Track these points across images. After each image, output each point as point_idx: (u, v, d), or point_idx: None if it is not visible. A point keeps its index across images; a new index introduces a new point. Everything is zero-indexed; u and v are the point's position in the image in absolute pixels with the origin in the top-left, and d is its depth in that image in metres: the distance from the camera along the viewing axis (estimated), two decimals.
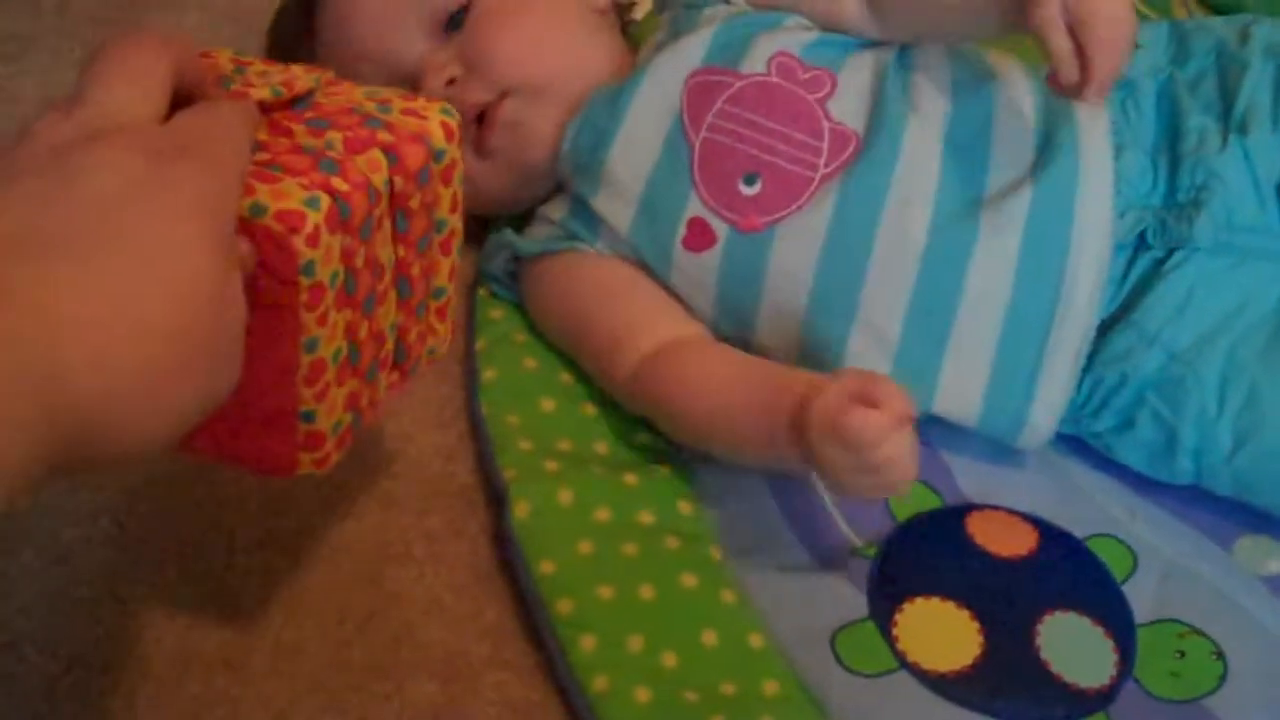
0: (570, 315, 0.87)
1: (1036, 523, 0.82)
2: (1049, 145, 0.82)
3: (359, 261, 0.60)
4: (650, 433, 0.85)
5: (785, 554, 0.80)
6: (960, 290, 0.80)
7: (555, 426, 0.85)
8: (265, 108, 0.61)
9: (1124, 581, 0.80)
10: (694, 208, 0.83)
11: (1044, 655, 0.76)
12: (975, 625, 0.77)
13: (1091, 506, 0.84)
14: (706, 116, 0.84)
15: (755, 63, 0.85)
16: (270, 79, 0.63)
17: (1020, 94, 0.85)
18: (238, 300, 0.52)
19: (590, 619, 0.75)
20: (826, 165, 0.82)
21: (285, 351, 0.59)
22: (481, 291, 0.92)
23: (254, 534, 0.79)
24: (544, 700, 0.74)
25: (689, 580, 0.77)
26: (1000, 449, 0.85)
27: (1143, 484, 0.84)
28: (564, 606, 0.75)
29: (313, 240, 0.56)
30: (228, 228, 0.52)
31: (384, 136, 0.62)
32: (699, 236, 0.83)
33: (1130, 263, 0.82)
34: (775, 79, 0.85)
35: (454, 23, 0.89)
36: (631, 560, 0.78)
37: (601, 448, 0.84)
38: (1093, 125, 0.82)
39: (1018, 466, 0.85)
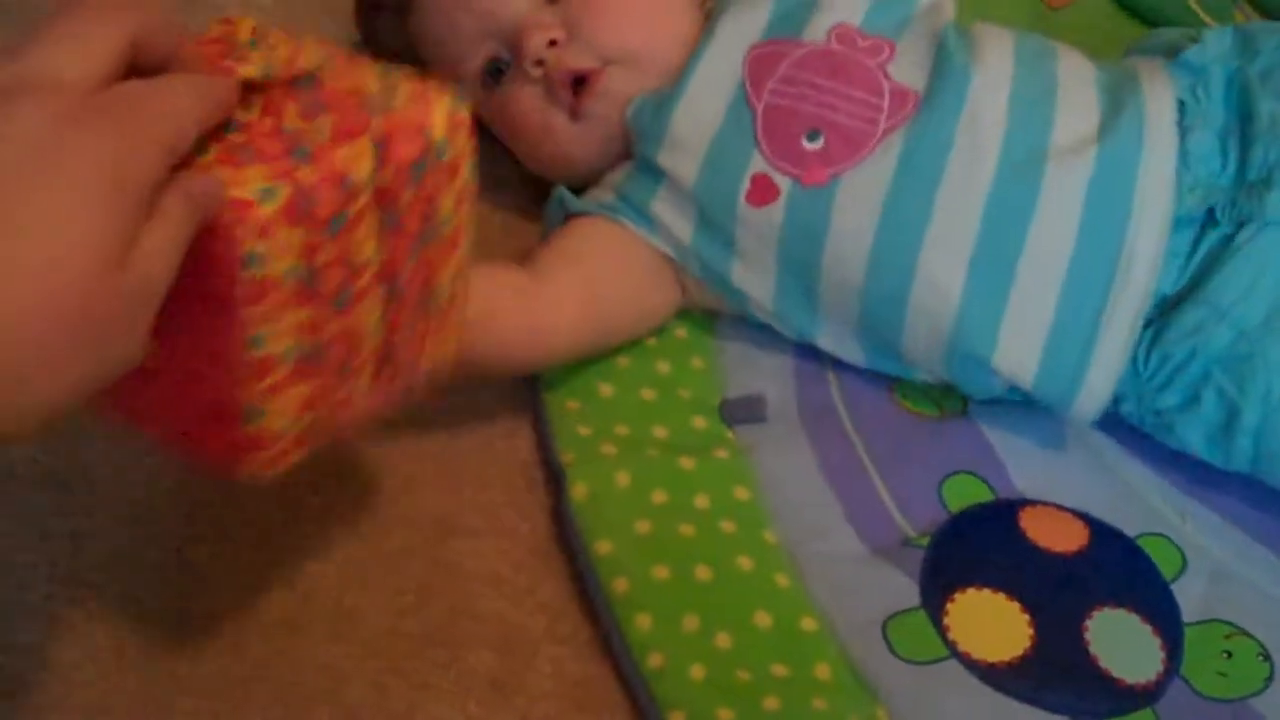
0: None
1: (1088, 520, 0.83)
2: (1114, 112, 0.83)
3: (325, 257, 0.58)
4: (707, 418, 0.86)
5: (839, 541, 0.81)
6: (1022, 245, 0.81)
7: (613, 411, 0.86)
8: (262, 85, 0.59)
9: (1173, 581, 0.81)
10: (757, 164, 0.84)
11: (1093, 650, 0.77)
12: (1025, 618, 0.78)
13: (1143, 506, 0.84)
14: (769, 83, 0.85)
15: (815, 33, 0.87)
16: (275, 54, 0.61)
17: (1084, 69, 0.87)
18: (145, 269, 0.51)
19: (646, 598, 0.76)
20: (888, 120, 0.83)
21: (229, 344, 0.57)
22: None
23: (316, 503, 0.80)
24: (599, 675, 0.75)
25: (744, 563, 0.79)
26: (1054, 443, 0.86)
27: (1194, 485, 0.85)
28: (620, 585, 0.77)
29: (262, 232, 0.55)
30: (132, 195, 0.50)
31: (378, 126, 0.59)
32: (762, 191, 0.84)
33: (1198, 239, 0.82)
34: (836, 47, 0.86)
35: None
36: (688, 541, 0.79)
37: (659, 432, 0.85)
38: (1158, 98, 0.83)
39: (1070, 463, 0.86)
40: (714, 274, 0.87)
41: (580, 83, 0.89)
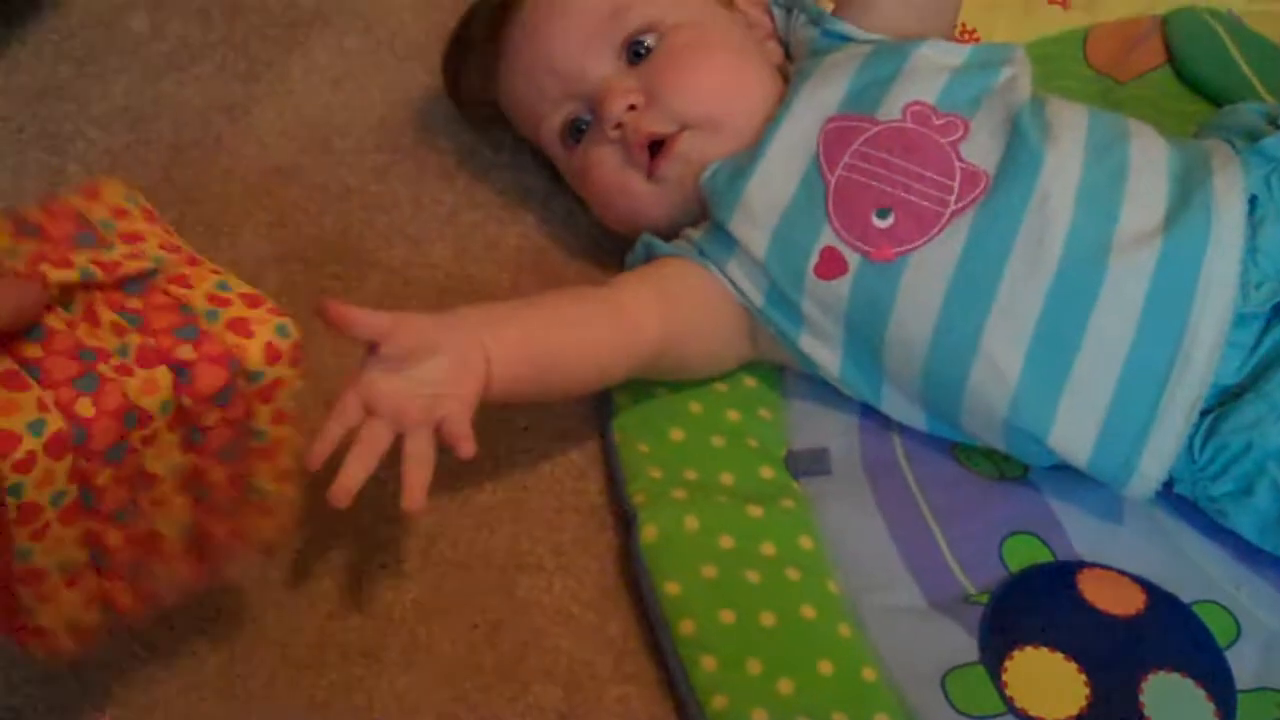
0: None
1: (1145, 584, 0.84)
2: (1183, 203, 0.84)
3: (104, 480, 0.60)
4: (774, 468, 0.88)
5: (901, 594, 0.83)
6: (1083, 331, 0.82)
7: (684, 456, 0.88)
8: (91, 284, 0.61)
9: (1228, 648, 0.82)
10: (827, 238, 0.86)
11: (1147, 713, 0.78)
12: (1082, 678, 0.79)
13: (1198, 573, 0.86)
14: (843, 158, 0.87)
15: (891, 110, 0.89)
16: (111, 253, 0.62)
17: (1157, 153, 0.88)
18: None
19: (712, 641, 0.78)
20: (958, 202, 0.85)
21: (2, 549, 0.59)
22: None
23: (389, 533, 0.83)
24: (664, 714, 0.77)
25: (808, 611, 0.80)
26: (1112, 509, 0.88)
27: (1249, 556, 0.86)
28: (687, 627, 0.79)
29: (23, 466, 0.56)
30: None
31: (184, 354, 0.61)
32: (831, 265, 0.86)
33: (1263, 333, 0.84)
34: (910, 125, 0.88)
35: (637, 52, 0.93)
36: (753, 588, 0.81)
37: (727, 479, 0.87)
38: (1228, 191, 0.84)
39: (1129, 529, 0.87)
40: (784, 337, 0.89)
41: (657, 146, 0.92)
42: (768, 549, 0.83)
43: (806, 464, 0.89)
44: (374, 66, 1.11)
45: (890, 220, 0.86)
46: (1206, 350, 0.82)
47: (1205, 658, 0.81)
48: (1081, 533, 0.87)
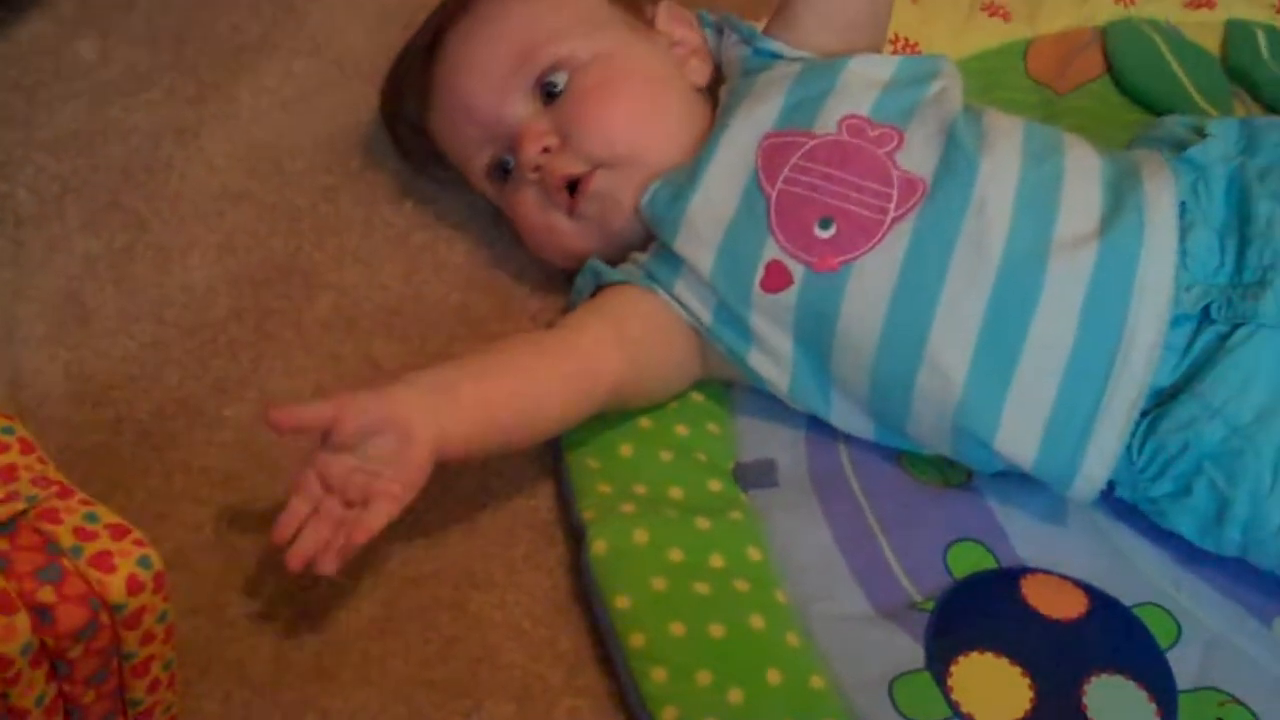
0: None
1: (1087, 589, 0.86)
2: (1116, 209, 0.86)
3: None
4: (722, 481, 0.90)
5: (848, 603, 0.84)
6: (1025, 333, 0.84)
7: (633, 471, 0.89)
8: None
9: (1168, 649, 0.84)
10: (771, 251, 0.88)
11: (1090, 714, 0.80)
12: (1026, 681, 0.81)
13: (1139, 576, 0.88)
14: (782, 171, 0.89)
15: (827, 123, 0.90)
16: None
17: (1090, 162, 0.90)
18: None
19: (662, 653, 0.79)
20: (897, 209, 0.87)
21: None
22: None
23: None
24: None
25: (757, 621, 0.82)
26: (1055, 514, 0.89)
27: (1188, 558, 0.88)
28: (637, 640, 0.80)
29: None
30: None
31: (45, 596, 0.63)
32: (776, 277, 0.87)
33: (1194, 335, 0.86)
34: (846, 137, 0.90)
35: (550, 92, 0.95)
36: (702, 599, 0.82)
37: (676, 493, 0.88)
38: (1159, 196, 0.87)
39: (1071, 534, 0.89)
40: (733, 354, 0.90)
41: (575, 185, 0.93)
42: (716, 561, 0.84)
43: (754, 476, 0.90)
44: (322, 89, 1.12)
45: (832, 230, 0.87)
46: (1144, 351, 0.84)
47: (1146, 659, 0.83)
48: (1024, 539, 0.89)
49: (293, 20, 1.18)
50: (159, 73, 1.12)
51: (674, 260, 0.91)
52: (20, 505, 0.67)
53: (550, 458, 0.90)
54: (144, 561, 0.66)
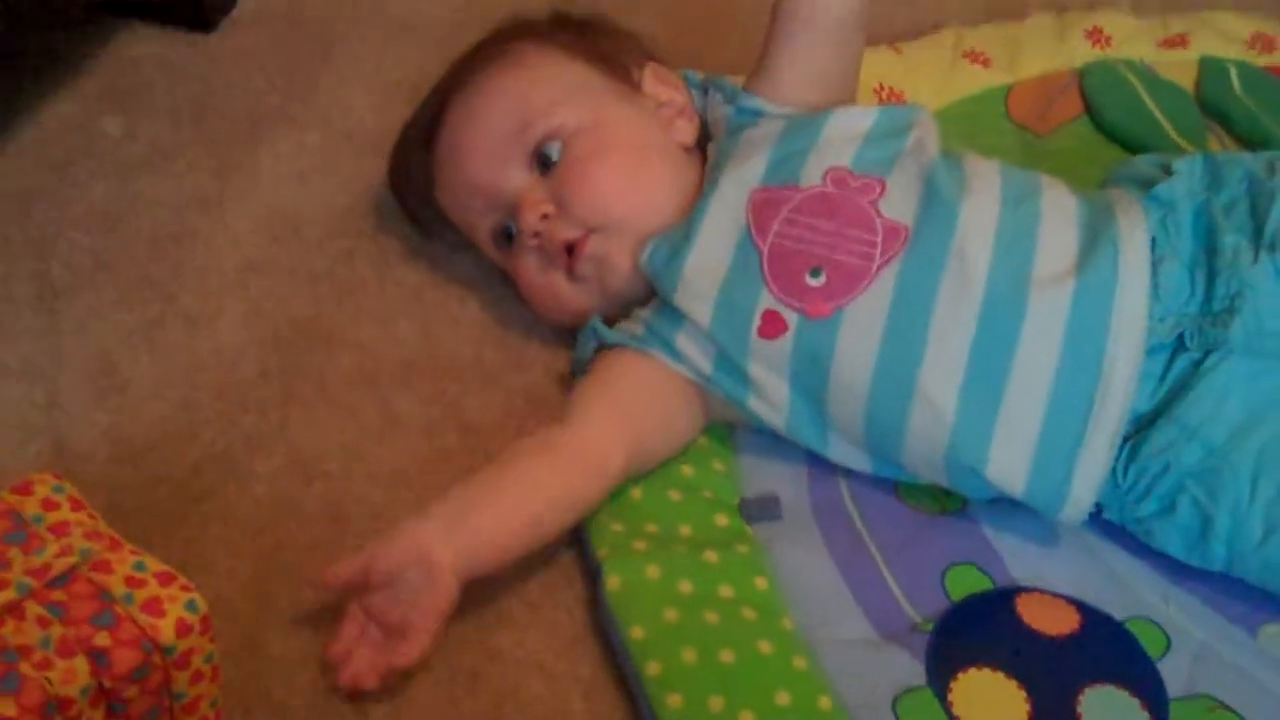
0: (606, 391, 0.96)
1: (1079, 605, 0.91)
2: (1092, 246, 0.92)
3: None
4: (728, 516, 0.95)
5: (852, 627, 0.89)
6: (1010, 365, 0.89)
7: (643, 512, 0.94)
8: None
9: (1159, 659, 0.88)
10: (766, 301, 0.93)
11: None
12: (1023, 694, 0.85)
13: (1129, 592, 0.92)
14: (773, 225, 0.94)
15: (811, 177, 0.96)
16: (42, 556, 0.71)
17: (1066, 203, 0.95)
18: None
19: (677, 679, 0.84)
20: (882, 255, 0.92)
21: None
22: None
23: None
24: None
25: (765, 647, 0.86)
26: (1046, 536, 0.94)
27: (1175, 573, 0.93)
28: (653, 668, 0.84)
29: None
30: None
31: (102, 640, 0.69)
32: (772, 325, 0.93)
33: (1170, 363, 0.91)
34: (831, 189, 0.95)
35: (545, 163, 1.01)
36: (713, 628, 0.87)
37: (685, 530, 0.93)
38: (1132, 233, 0.92)
39: (1062, 554, 0.94)
40: (734, 401, 0.95)
41: (569, 260, 0.99)
42: (725, 591, 0.89)
43: (759, 511, 0.95)
44: (335, 159, 1.18)
45: (822, 279, 0.92)
46: (1124, 379, 0.89)
47: (1138, 669, 0.88)
48: (1018, 560, 0.93)
49: (306, 95, 1.23)
50: (181, 147, 1.17)
51: (674, 314, 0.96)
52: (74, 559, 0.72)
53: None
54: (191, 605, 0.72)
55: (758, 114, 1.02)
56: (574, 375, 1.01)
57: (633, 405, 0.95)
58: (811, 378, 0.93)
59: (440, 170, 1.06)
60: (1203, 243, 0.93)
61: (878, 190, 0.94)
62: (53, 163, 1.15)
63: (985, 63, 1.31)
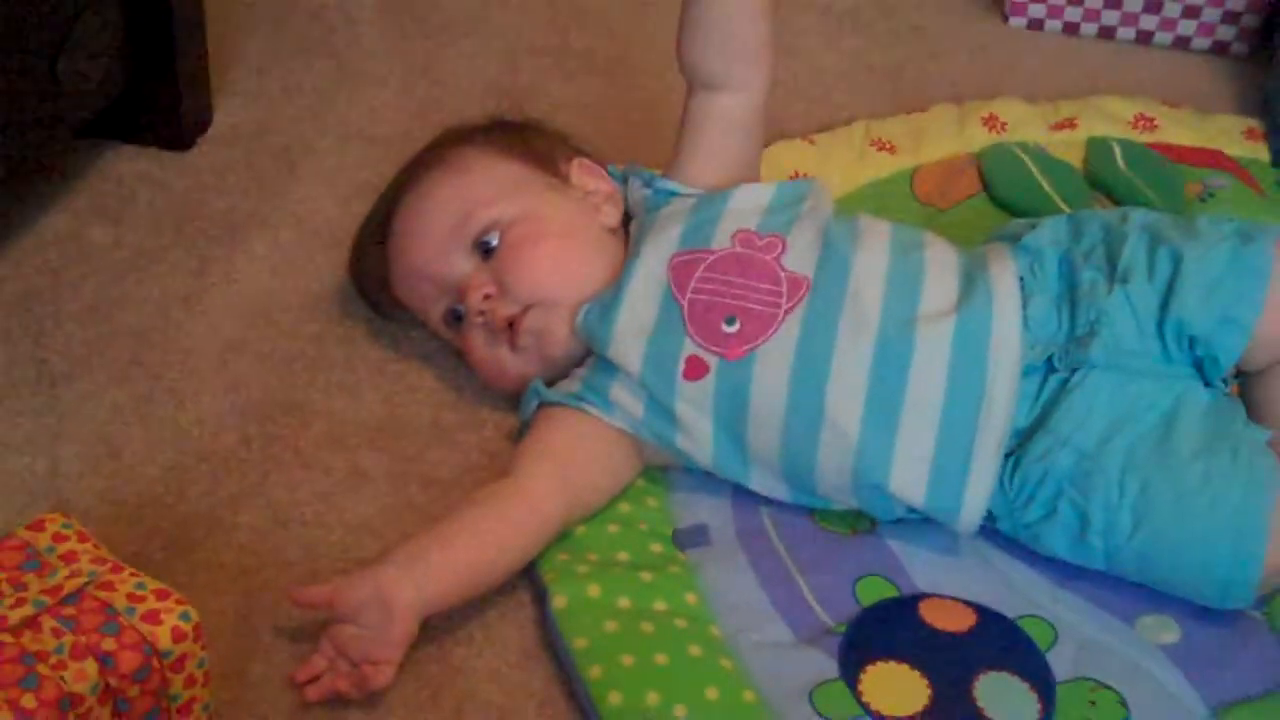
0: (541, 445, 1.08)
1: (976, 607, 1.02)
2: (970, 288, 1.05)
3: None
4: (662, 544, 1.06)
5: (773, 632, 1.00)
6: (904, 392, 1.02)
7: (585, 544, 1.05)
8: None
9: (1047, 651, 0.99)
10: (689, 348, 1.05)
11: (980, 704, 0.95)
12: (925, 682, 0.96)
13: (1021, 595, 1.04)
14: (690, 283, 1.07)
15: (721, 240, 1.09)
16: (54, 578, 0.83)
17: (948, 255, 1.10)
18: None
19: (616, 680, 0.94)
20: (787, 302, 1.05)
21: None
22: None
23: None
24: None
25: (695, 650, 0.97)
26: (947, 550, 1.06)
27: (1062, 577, 1.04)
28: (595, 671, 0.95)
29: None
30: None
31: (108, 645, 0.79)
32: (695, 368, 1.05)
33: (1043, 383, 1.04)
34: (739, 249, 1.08)
35: (485, 250, 1.13)
36: (648, 636, 0.97)
37: (622, 556, 1.04)
38: (1003, 275, 1.06)
39: (961, 564, 1.05)
40: (664, 442, 1.07)
41: (511, 334, 1.12)
42: (659, 605, 1.00)
43: (689, 539, 1.06)
44: (306, 255, 1.30)
45: (737, 326, 1.05)
46: (1003, 401, 1.02)
47: (1028, 658, 0.99)
48: (921, 571, 1.05)
49: (277, 200, 1.36)
50: (163, 251, 1.29)
51: (608, 367, 1.08)
52: (82, 580, 0.84)
53: None
54: (185, 615, 0.83)
55: (672, 194, 1.15)
56: (519, 433, 1.13)
57: (568, 457, 1.06)
58: (732, 413, 1.05)
59: (394, 263, 1.18)
60: (1066, 282, 1.07)
61: (780, 247, 1.07)
62: (48, 268, 1.27)
63: (892, 150, 1.44)
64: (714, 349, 1.05)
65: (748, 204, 1.11)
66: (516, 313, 1.11)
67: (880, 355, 1.03)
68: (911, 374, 1.02)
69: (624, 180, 1.21)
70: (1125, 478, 1.00)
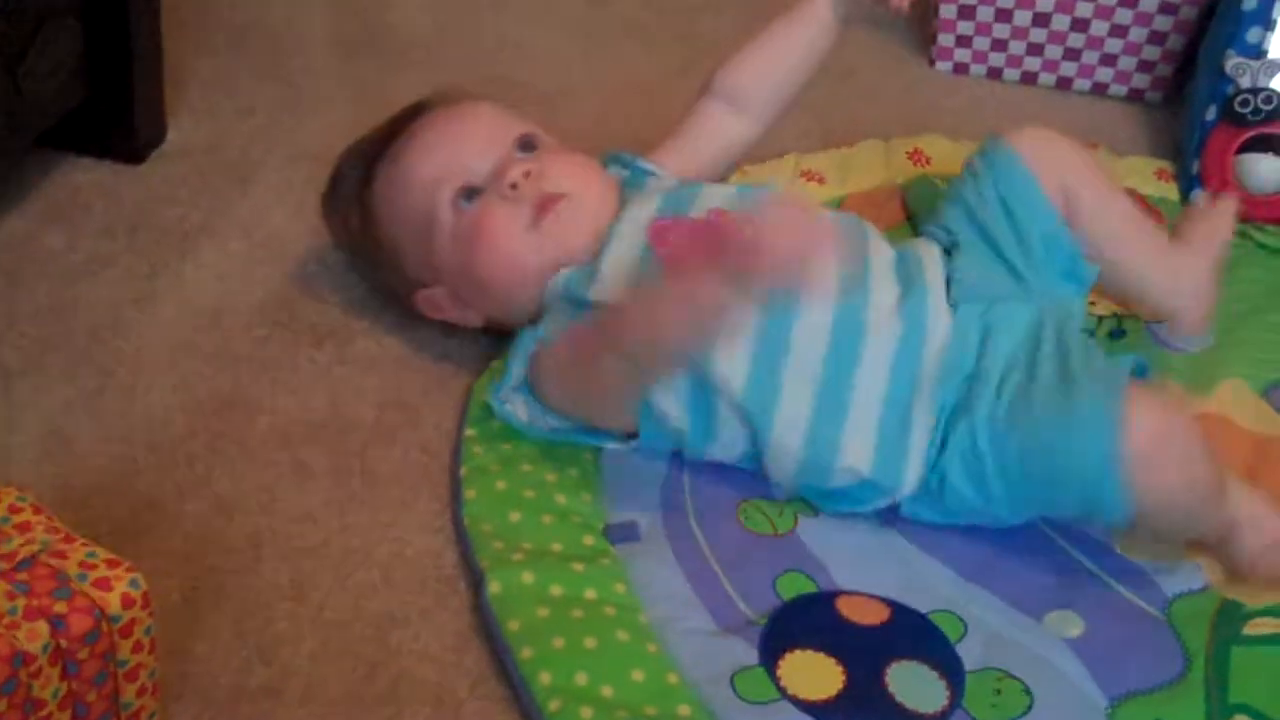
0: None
1: (890, 602, 1.07)
2: (907, 290, 1.14)
3: (1, 708, 0.78)
4: (594, 538, 1.10)
5: (697, 621, 1.04)
6: (852, 384, 1.10)
7: (520, 532, 1.09)
8: None
9: (957, 642, 1.05)
10: None
11: (891, 689, 1.00)
12: (840, 669, 1.01)
13: (933, 591, 1.09)
14: (668, 238, 1.16)
15: (696, 212, 1.18)
16: (9, 545, 0.84)
17: (885, 252, 1.19)
18: None
19: (547, 661, 0.99)
20: None
21: None
22: (469, 431, 1.17)
23: (288, 608, 1.03)
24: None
25: (622, 635, 1.01)
26: (864, 549, 1.11)
27: (974, 574, 1.10)
28: (526, 652, 0.99)
29: None
30: None
31: (60, 608, 0.81)
32: None
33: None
34: (713, 219, 1.17)
35: (527, 147, 1.21)
36: (578, 621, 1.02)
37: (556, 546, 1.08)
38: (936, 280, 1.17)
39: (877, 563, 1.10)
40: None
41: (543, 209, 1.18)
42: (590, 594, 1.05)
43: (620, 534, 1.11)
44: (253, 263, 1.35)
45: None
46: (933, 382, 1.11)
47: (938, 649, 1.04)
48: (839, 568, 1.10)
49: (227, 212, 1.41)
50: (116, 256, 1.33)
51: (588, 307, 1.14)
52: (36, 547, 0.87)
53: (452, 527, 1.10)
54: (134, 583, 0.86)
55: (649, 174, 1.26)
56: (469, 424, 1.18)
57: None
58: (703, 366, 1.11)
59: (409, 155, 1.21)
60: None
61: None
62: (2, 270, 1.30)
63: (820, 180, 1.51)
64: None
65: (717, 195, 1.21)
66: (558, 194, 1.18)
67: (832, 351, 1.11)
68: (859, 369, 1.11)
69: (604, 165, 1.29)
70: (1002, 385, 1.08)
